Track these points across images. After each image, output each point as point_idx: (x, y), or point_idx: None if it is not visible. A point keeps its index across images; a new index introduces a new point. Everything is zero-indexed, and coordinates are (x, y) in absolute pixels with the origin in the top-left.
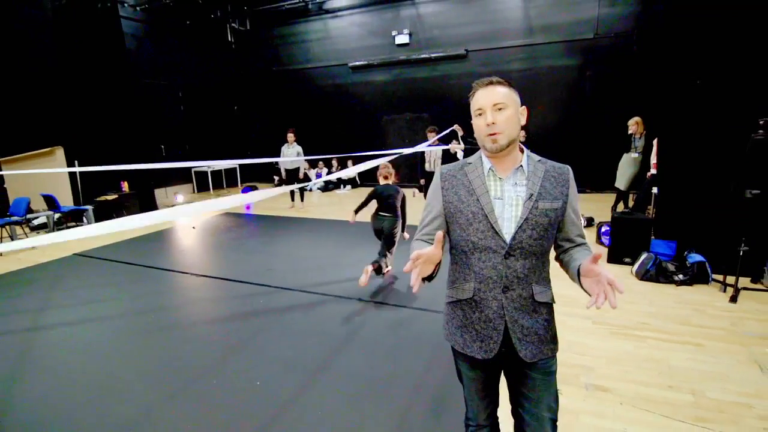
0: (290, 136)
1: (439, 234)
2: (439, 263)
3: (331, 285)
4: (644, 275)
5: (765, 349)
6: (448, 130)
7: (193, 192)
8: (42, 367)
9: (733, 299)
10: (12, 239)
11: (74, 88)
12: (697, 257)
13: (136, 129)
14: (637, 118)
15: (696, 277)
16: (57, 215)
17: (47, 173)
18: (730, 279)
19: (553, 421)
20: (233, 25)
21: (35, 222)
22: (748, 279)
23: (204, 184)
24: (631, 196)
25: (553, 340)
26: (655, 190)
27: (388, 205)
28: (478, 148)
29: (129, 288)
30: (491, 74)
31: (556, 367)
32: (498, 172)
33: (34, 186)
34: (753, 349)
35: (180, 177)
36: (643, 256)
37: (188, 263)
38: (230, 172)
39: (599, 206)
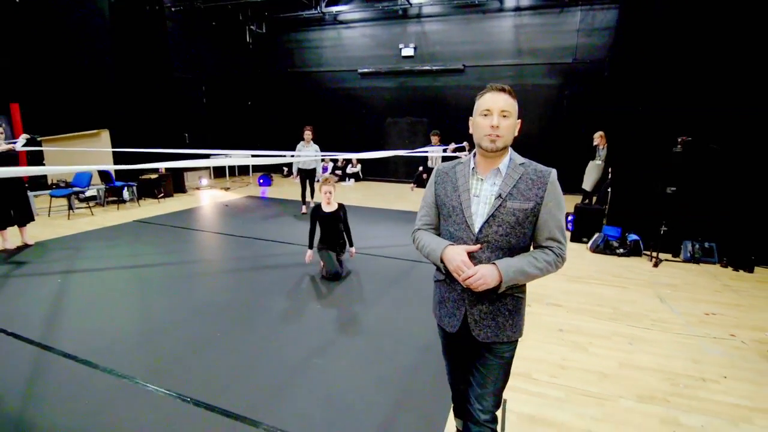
0: (307, 134)
1: (476, 247)
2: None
3: (368, 248)
4: (595, 249)
5: (666, 291)
6: (460, 145)
7: (210, 177)
8: (160, 290)
9: (656, 265)
10: (71, 209)
11: (123, 79)
12: (634, 236)
13: (169, 117)
14: (600, 132)
15: (632, 251)
16: (104, 189)
17: (94, 153)
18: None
19: (495, 396)
20: (252, 27)
21: (84, 195)
22: (670, 254)
23: (221, 171)
24: (595, 197)
25: (513, 328)
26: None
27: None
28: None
29: (195, 244)
30: (484, 88)
31: (512, 354)
32: (479, 172)
33: (79, 164)
34: (659, 290)
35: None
36: (595, 235)
37: (240, 229)
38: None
39: (569, 204)
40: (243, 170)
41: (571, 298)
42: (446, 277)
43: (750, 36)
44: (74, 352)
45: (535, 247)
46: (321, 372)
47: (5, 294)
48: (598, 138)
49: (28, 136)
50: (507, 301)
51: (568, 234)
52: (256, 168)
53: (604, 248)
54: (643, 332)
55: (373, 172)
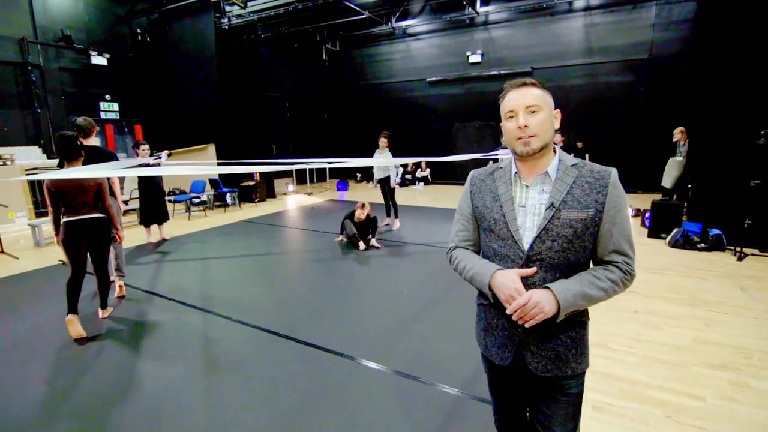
0: (382, 141)
1: (532, 270)
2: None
3: (436, 243)
4: (674, 244)
5: (749, 282)
6: None
7: (293, 183)
8: (277, 273)
9: (740, 258)
10: (189, 211)
11: (225, 99)
12: (716, 231)
13: (260, 131)
14: (681, 128)
15: (714, 245)
16: (212, 195)
17: (202, 164)
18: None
19: None
20: (327, 46)
21: (199, 200)
22: (757, 249)
23: (302, 178)
24: (675, 195)
25: (576, 359)
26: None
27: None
28: None
29: (297, 239)
30: (554, 89)
31: (580, 390)
32: (524, 178)
33: (194, 174)
34: (741, 281)
35: (286, 171)
36: (674, 230)
37: (330, 226)
38: (321, 168)
39: (647, 201)
40: (321, 177)
41: (647, 286)
42: (495, 301)
43: None
44: (228, 314)
45: (596, 263)
46: (415, 329)
47: (165, 274)
48: (678, 134)
49: (168, 152)
50: (566, 329)
51: (644, 231)
52: (332, 175)
53: (684, 243)
54: (720, 316)
55: (441, 175)
